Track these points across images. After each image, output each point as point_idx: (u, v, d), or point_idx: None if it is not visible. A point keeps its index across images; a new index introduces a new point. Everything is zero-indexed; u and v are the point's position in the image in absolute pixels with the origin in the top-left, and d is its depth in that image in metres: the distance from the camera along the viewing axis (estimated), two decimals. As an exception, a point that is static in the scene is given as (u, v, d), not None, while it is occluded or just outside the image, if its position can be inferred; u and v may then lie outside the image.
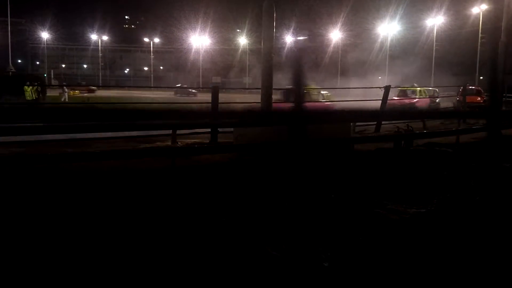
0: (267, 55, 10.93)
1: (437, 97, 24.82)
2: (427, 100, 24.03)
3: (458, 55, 43.92)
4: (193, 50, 42.96)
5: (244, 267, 3.47)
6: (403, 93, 24.31)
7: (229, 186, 5.75)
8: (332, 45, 40.43)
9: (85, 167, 6.30)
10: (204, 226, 4.30)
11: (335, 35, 40.80)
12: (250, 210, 4.83)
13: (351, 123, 10.18)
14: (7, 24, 36.58)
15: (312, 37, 40.61)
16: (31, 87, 19.24)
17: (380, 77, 41.47)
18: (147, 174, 6.42)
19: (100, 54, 47.47)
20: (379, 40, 40.97)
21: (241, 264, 3.51)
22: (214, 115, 10.56)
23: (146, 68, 52.66)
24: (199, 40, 43.80)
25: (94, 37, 49.25)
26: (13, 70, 34.84)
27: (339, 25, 38.91)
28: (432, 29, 42.68)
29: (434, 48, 43.97)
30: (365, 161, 7.81)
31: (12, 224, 4.34)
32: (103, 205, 4.85)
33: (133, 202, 4.97)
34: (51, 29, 45.16)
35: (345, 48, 38.30)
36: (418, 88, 25.05)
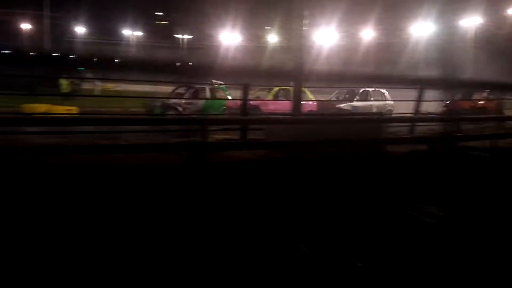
0: (298, 52, 10.87)
1: (385, 100, 18.13)
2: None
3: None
4: (223, 47, 43.07)
5: (274, 263, 3.45)
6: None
7: (261, 183, 5.73)
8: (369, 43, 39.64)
9: (118, 158, 6.39)
10: (236, 223, 4.30)
11: (369, 33, 40.07)
12: (283, 208, 4.80)
13: (383, 124, 9.97)
14: (44, 18, 37.53)
15: (348, 36, 40.06)
16: (66, 80, 19.73)
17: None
18: (178, 168, 6.44)
19: (132, 50, 48.16)
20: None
21: (272, 260, 3.50)
22: (244, 112, 10.62)
23: (177, 64, 53.30)
24: (230, 37, 43.83)
25: (126, 32, 49.96)
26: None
27: (372, 24, 38.22)
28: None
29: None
30: (398, 163, 7.65)
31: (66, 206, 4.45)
32: (149, 197, 4.91)
33: (169, 196, 5.01)
34: (86, 24, 46.02)
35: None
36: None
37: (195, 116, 12.67)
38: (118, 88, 25.97)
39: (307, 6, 11.61)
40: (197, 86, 15.70)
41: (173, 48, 49.37)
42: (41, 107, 12.51)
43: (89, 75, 20.05)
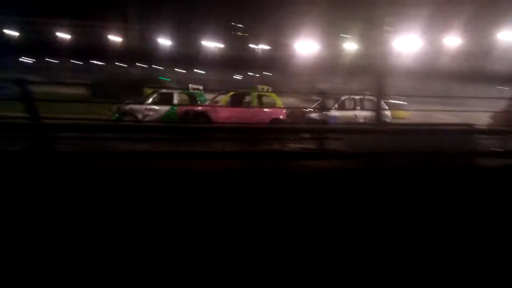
0: (381, 60, 10.51)
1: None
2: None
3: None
4: (299, 56, 43.02)
5: (367, 282, 3.26)
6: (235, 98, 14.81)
7: (341, 196, 5.52)
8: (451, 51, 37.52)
9: (202, 165, 6.52)
10: (319, 238, 4.15)
11: (454, 40, 37.87)
12: (366, 222, 4.56)
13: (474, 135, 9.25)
14: (130, 30, 39.94)
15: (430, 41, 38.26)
16: (150, 90, 20.76)
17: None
18: (253, 176, 6.40)
19: (213, 60, 49.84)
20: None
21: (364, 278, 3.30)
22: (322, 121, 10.45)
23: (253, 74, 53.98)
24: (305, 46, 43.70)
25: (206, 43, 51.71)
26: (134, 74, 37.90)
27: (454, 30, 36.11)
28: None
29: None
30: (492, 178, 7.02)
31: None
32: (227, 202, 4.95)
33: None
34: (168, 36, 48.30)
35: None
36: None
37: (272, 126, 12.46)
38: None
39: (391, 13, 11.21)
40: (164, 91, 14.66)
41: (250, 58, 50.21)
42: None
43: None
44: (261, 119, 12.76)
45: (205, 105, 13.85)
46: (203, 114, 12.73)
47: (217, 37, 50.28)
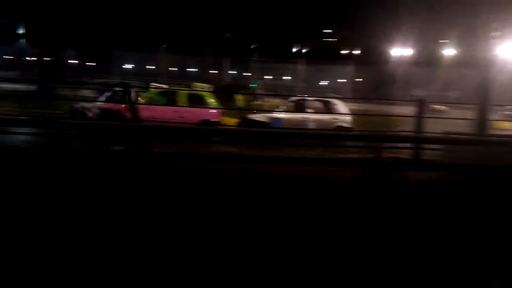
0: (485, 67, 9.83)
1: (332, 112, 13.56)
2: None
3: None
4: (392, 62, 41.56)
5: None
6: (162, 96, 13.94)
7: (441, 209, 5.23)
8: None
9: (290, 170, 6.58)
10: (418, 253, 3.98)
11: None
12: (466, 237, 4.29)
13: None
14: (227, 39, 41.47)
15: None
16: (242, 96, 21.45)
17: None
18: (353, 185, 6.27)
19: (300, 67, 50.04)
20: None
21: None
22: (418, 129, 9.96)
23: (343, 80, 53.11)
24: (399, 52, 42.06)
25: (295, 50, 52.10)
26: (226, 81, 39.25)
27: None
28: None
29: None
30: None
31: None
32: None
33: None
34: (256, 43, 49.47)
35: None
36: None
37: (367, 132, 12.12)
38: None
39: (497, 18, 10.44)
40: (117, 89, 13.51)
41: (339, 65, 49.63)
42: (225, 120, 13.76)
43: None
44: (187, 120, 11.84)
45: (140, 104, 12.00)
46: (118, 113, 11.63)
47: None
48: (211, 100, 13.78)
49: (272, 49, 50.61)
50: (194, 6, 45.49)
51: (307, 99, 14.34)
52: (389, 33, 40.20)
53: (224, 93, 22.73)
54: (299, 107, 13.54)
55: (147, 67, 53.30)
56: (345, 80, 52.67)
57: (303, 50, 53.35)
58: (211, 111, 13.07)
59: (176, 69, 53.19)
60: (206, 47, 48.39)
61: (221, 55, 44.50)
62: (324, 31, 64.50)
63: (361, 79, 50.68)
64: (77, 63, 50.89)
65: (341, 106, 13.98)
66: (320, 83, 54.78)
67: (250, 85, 38.31)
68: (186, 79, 35.87)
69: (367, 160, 7.28)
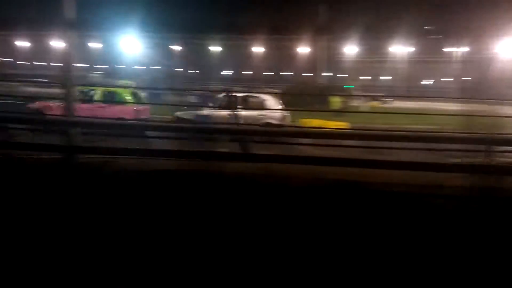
0: None
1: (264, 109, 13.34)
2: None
3: None
4: (499, 59, 37.90)
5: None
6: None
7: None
8: None
9: (382, 174, 6.31)
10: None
11: None
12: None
13: None
14: (318, 40, 41.19)
15: None
16: (338, 98, 21.23)
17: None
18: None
19: (402, 66, 47.83)
20: None
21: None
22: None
23: (445, 79, 49.75)
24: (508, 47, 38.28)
25: (394, 49, 49.89)
26: (321, 82, 38.85)
27: None
28: None
29: None
30: None
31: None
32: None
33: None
34: (355, 43, 48.19)
35: None
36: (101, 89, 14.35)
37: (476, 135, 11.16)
38: (388, 105, 26.24)
39: None
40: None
41: (443, 63, 46.53)
42: (315, 122, 13.74)
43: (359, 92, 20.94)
44: (101, 117, 11.79)
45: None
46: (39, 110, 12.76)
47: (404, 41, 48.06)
48: (130, 98, 14.15)
49: (371, 48, 48.99)
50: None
51: (238, 96, 14.04)
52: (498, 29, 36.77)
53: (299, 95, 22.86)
54: (230, 104, 13.29)
55: (243, 72, 54.91)
56: (451, 79, 49.20)
57: (406, 49, 51.01)
58: (126, 109, 13.42)
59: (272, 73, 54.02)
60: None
61: (316, 56, 44.22)
62: (425, 27, 61.11)
63: (469, 78, 46.94)
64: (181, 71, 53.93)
65: (272, 102, 13.78)
66: (422, 83, 51.88)
67: (345, 86, 37.26)
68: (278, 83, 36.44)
69: (477, 165, 6.66)
